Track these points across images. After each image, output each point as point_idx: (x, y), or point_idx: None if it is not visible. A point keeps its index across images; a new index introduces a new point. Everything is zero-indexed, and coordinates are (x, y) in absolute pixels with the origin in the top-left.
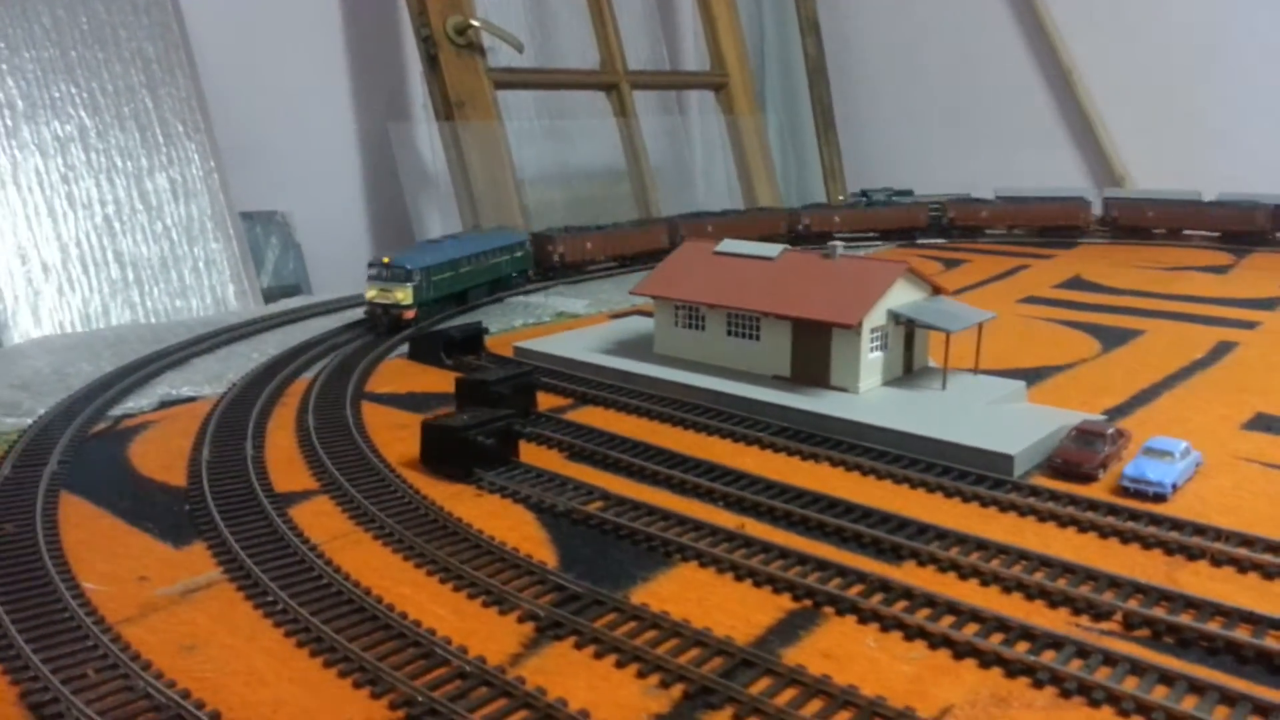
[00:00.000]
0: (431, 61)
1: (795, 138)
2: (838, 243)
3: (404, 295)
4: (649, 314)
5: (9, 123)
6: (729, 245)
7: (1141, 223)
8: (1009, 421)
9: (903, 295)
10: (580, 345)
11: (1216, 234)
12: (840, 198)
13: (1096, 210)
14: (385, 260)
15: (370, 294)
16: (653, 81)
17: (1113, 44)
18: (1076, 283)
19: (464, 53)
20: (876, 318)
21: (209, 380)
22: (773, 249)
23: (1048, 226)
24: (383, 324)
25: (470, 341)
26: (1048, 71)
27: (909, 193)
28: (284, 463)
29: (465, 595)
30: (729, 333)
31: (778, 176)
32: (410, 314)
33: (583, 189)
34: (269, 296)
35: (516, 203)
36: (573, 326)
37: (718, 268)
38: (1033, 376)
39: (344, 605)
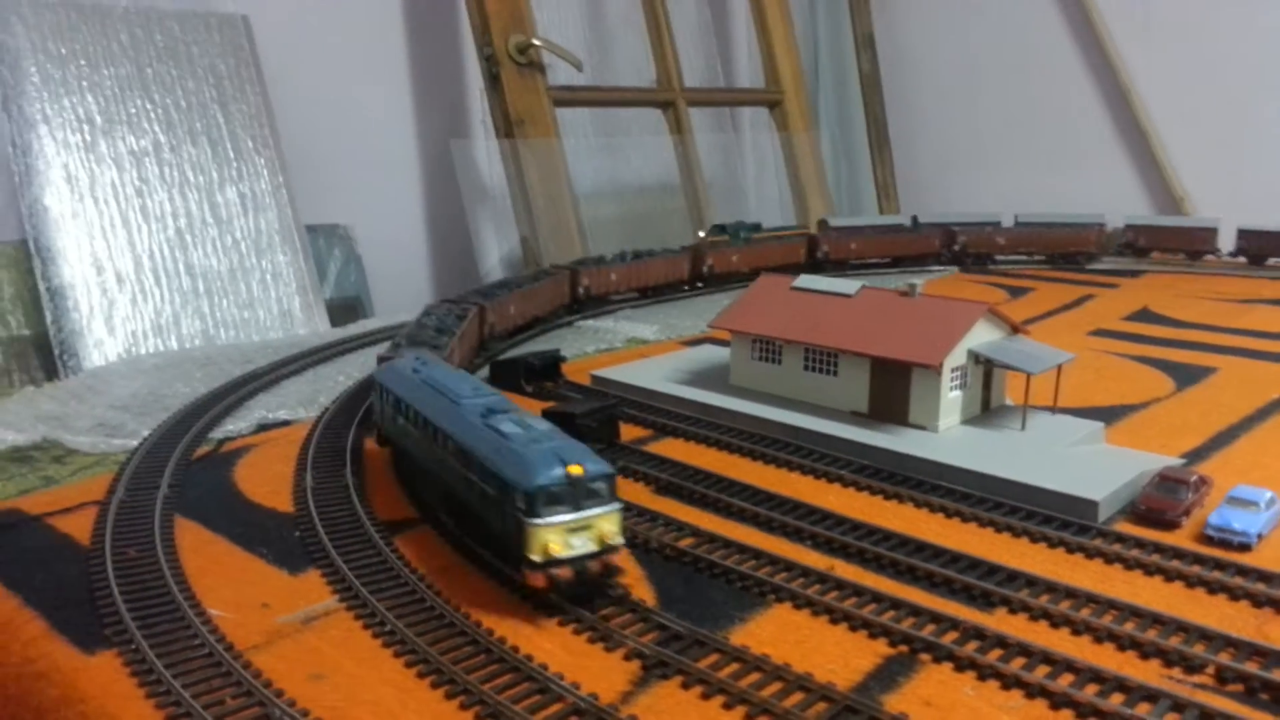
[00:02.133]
0: (493, 80)
1: (848, 154)
2: (917, 281)
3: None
4: (720, 342)
5: (88, 137)
6: (806, 281)
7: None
8: (1091, 465)
9: (983, 334)
10: (657, 375)
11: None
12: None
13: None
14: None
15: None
16: (708, 99)
17: (1173, 62)
18: (1145, 315)
19: (525, 71)
20: (957, 357)
21: (302, 403)
22: (851, 285)
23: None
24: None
25: (549, 368)
26: (1106, 90)
27: (757, 226)
28: (383, 490)
29: (571, 630)
30: (806, 368)
31: (831, 194)
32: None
33: (635, 205)
34: (330, 309)
35: (574, 220)
36: (644, 353)
37: (795, 303)
38: (1108, 416)
39: (458, 637)
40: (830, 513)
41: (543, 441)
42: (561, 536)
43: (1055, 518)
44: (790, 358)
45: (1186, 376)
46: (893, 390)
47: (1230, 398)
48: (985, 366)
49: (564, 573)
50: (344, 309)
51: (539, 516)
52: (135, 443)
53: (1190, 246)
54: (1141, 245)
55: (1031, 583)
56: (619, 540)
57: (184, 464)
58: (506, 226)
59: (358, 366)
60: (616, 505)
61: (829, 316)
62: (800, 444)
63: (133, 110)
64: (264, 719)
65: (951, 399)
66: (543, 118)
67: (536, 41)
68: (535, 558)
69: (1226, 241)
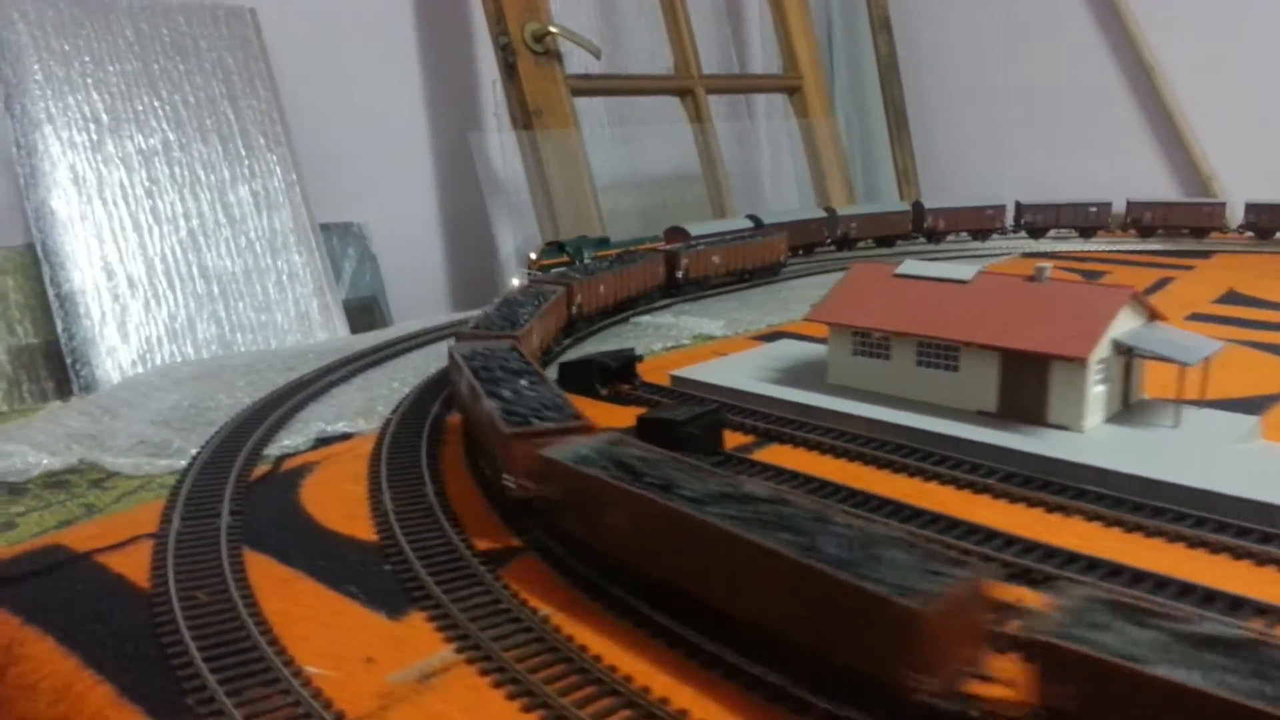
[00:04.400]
0: (509, 70)
1: (865, 140)
2: (1046, 264)
3: None
4: (801, 336)
5: (94, 136)
6: (913, 267)
7: None
8: (1271, 467)
9: (1124, 323)
10: (742, 373)
11: None
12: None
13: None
14: None
15: None
16: (727, 85)
17: (1197, 41)
18: (1234, 297)
19: (542, 60)
20: (1102, 349)
21: (359, 413)
22: (967, 270)
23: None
24: None
25: (625, 369)
26: (1128, 70)
27: (605, 241)
28: (472, 513)
29: (741, 688)
30: (919, 363)
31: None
32: None
33: (652, 196)
34: (347, 309)
35: (595, 212)
36: (718, 350)
37: (902, 292)
38: (1248, 408)
39: (607, 694)
40: (994, 530)
41: None
42: None
43: (1253, 529)
44: (900, 352)
45: None
46: (1028, 387)
47: None
48: (1126, 358)
49: None
50: (361, 309)
51: None
52: (183, 463)
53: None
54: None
55: (1264, 611)
56: None
57: (243, 486)
58: (522, 221)
59: (411, 371)
60: None
61: (945, 305)
62: (923, 448)
63: (140, 108)
64: None
65: (1096, 395)
66: (561, 107)
67: (554, 29)
68: None
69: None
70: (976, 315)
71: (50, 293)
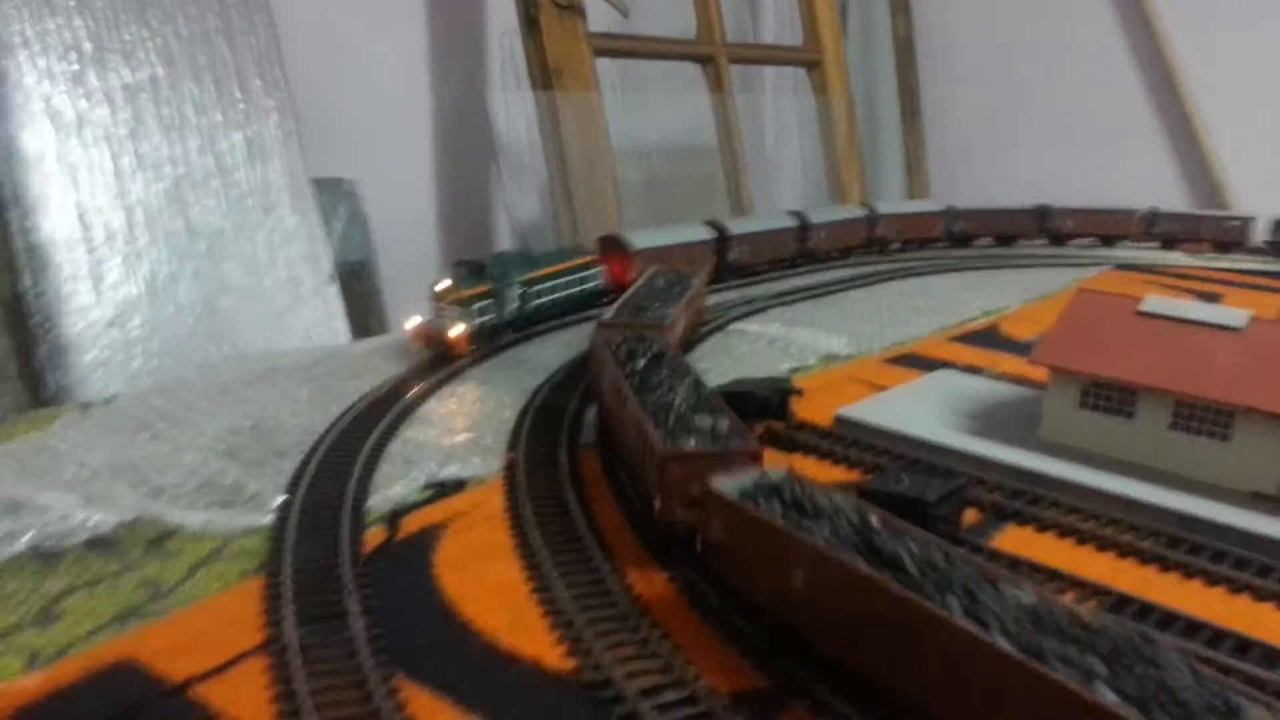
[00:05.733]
0: (530, 24)
1: (872, 123)
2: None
3: None
4: (965, 368)
5: (75, 67)
6: (1159, 305)
7: None
8: None
9: None
10: (921, 417)
11: None
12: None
13: None
14: None
15: None
16: (749, 55)
17: (1222, 47)
18: None
19: (566, 15)
20: None
21: (467, 448)
22: (1237, 315)
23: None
24: None
25: (781, 404)
26: (1149, 71)
27: (528, 259)
28: (681, 623)
29: None
30: (1174, 426)
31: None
32: None
33: (660, 167)
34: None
35: (611, 181)
36: (855, 376)
37: (1152, 335)
38: None
39: None
40: None
41: None
42: None
43: None
44: (1149, 411)
45: None
46: None
47: None
48: None
49: None
50: (349, 274)
51: None
52: (264, 518)
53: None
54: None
55: None
56: None
57: (361, 566)
58: (526, 187)
59: (511, 389)
60: None
61: (1211, 357)
62: (1200, 540)
63: (127, 38)
64: None
65: None
66: (582, 68)
67: None
68: None
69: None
70: (1256, 373)
71: (17, 242)
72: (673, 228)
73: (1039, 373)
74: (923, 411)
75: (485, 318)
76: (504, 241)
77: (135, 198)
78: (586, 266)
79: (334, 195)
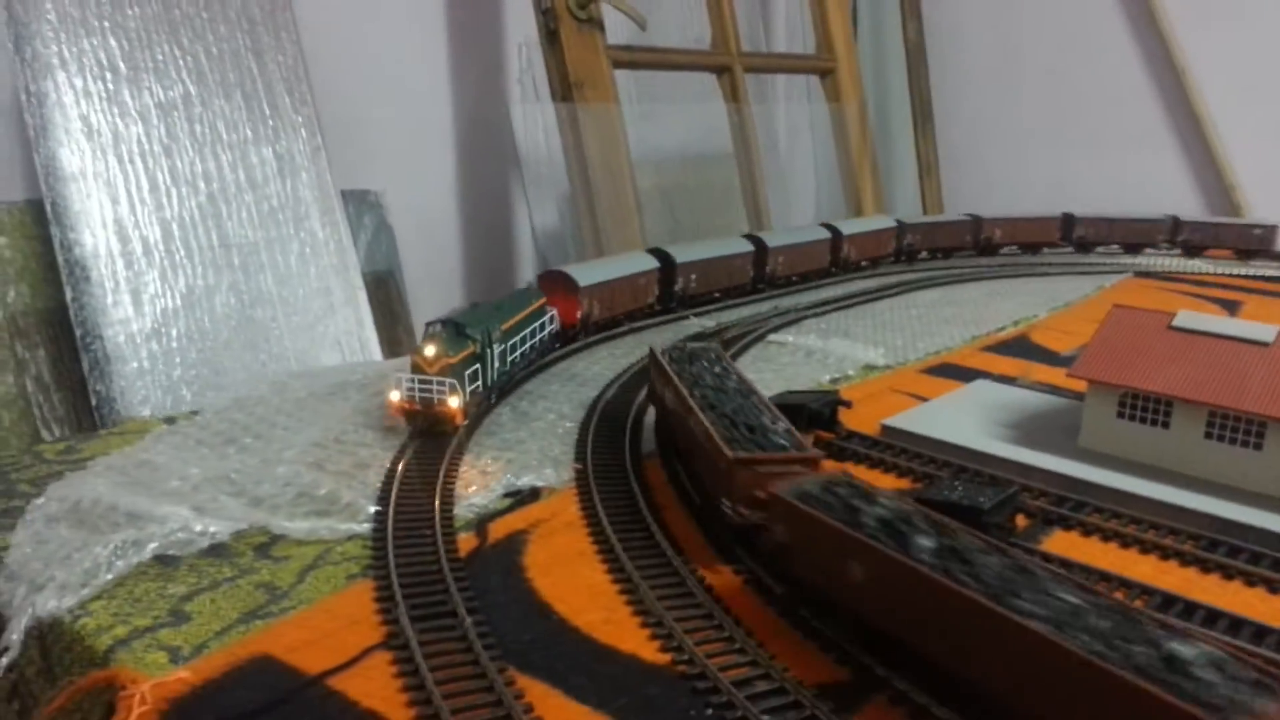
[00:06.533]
0: (551, 37)
1: (884, 130)
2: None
3: None
4: (1001, 378)
5: (110, 86)
6: (1191, 320)
7: None
8: None
9: None
10: (963, 426)
11: None
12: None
13: None
14: None
15: None
16: (764, 65)
17: (1232, 47)
18: None
19: (585, 28)
20: None
21: (538, 458)
22: (1265, 330)
23: None
24: None
25: (831, 414)
26: (1158, 72)
27: (502, 306)
28: (760, 620)
29: None
30: (1210, 435)
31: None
32: None
33: (674, 176)
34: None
35: (632, 193)
36: (894, 386)
37: (1183, 350)
38: None
39: None
40: None
41: None
42: None
43: None
44: (1184, 422)
45: None
46: None
47: None
48: None
49: None
50: (375, 284)
51: None
52: (361, 526)
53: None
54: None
55: None
56: None
57: (460, 568)
58: (547, 198)
59: (568, 401)
60: None
61: (1244, 370)
62: (1237, 543)
63: (160, 57)
64: None
65: None
66: (602, 80)
67: None
68: None
69: None
70: None
71: (59, 256)
72: (618, 259)
73: (1072, 381)
74: (965, 420)
75: (476, 384)
76: (526, 252)
77: (171, 212)
78: (543, 309)
79: (360, 207)
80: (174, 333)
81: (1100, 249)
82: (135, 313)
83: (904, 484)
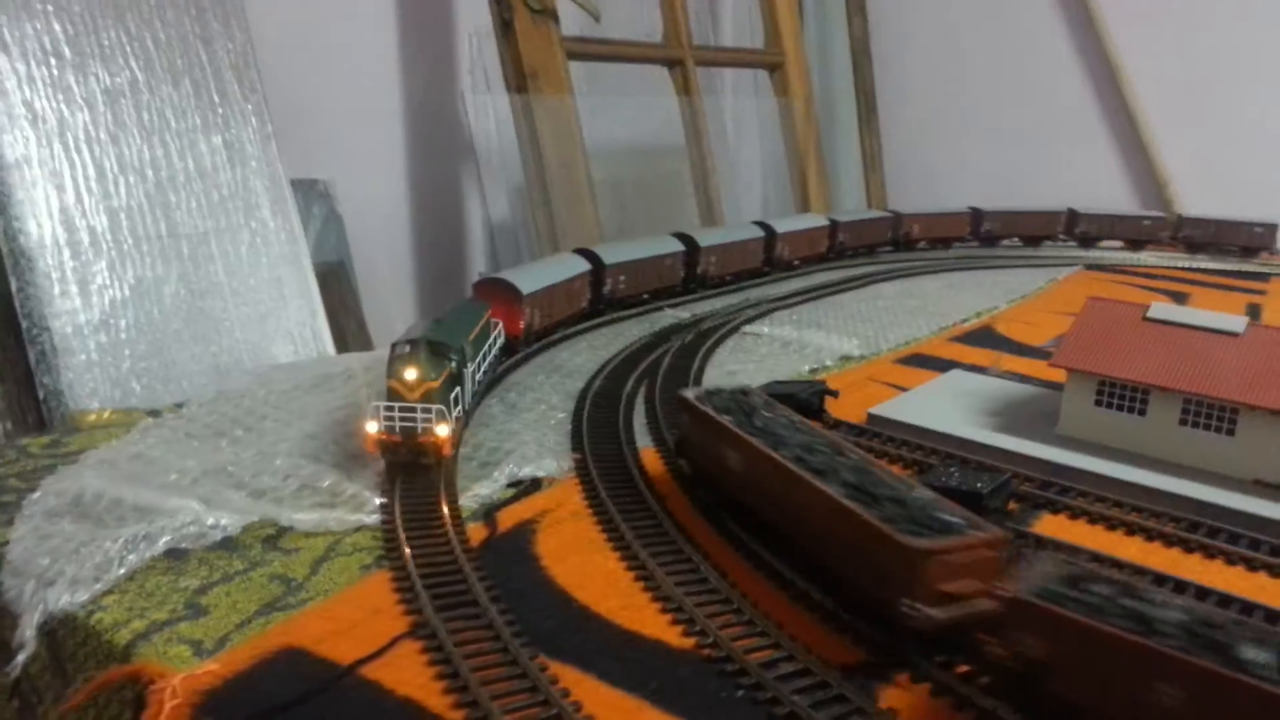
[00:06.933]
0: (505, 28)
1: (829, 125)
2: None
3: None
4: (973, 368)
5: (54, 72)
6: (1164, 311)
7: None
8: None
9: None
10: (944, 414)
11: None
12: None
13: None
14: None
15: None
16: (714, 59)
17: (1165, 45)
18: None
19: (539, 19)
20: None
21: (534, 448)
22: (1235, 321)
23: None
24: None
25: (819, 404)
26: (1094, 69)
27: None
28: (775, 604)
29: None
30: (1184, 422)
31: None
32: None
33: (624, 168)
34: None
35: (587, 185)
36: (873, 376)
37: (1160, 340)
38: None
39: None
40: None
41: None
42: None
43: None
44: (1160, 409)
45: None
46: None
47: None
48: None
49: None
50: (325, 275)
51: None
52: (369, 517)
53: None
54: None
55: None
56: None
57: (474, 555)
58: (498, 189)
59: (559, 394)
60: None
61: (1216, 359)
62: (1215, 524)
63: (106, 42)
64: None
65: None
66: (556, 72)
67: None
68: None
69: None
70: (1258, 374)
71: (3, 246)
72: (548, 263)
73: (1044, 371)
74: (946, 409)
75: (459, 409)
76: (477, 244)
77: (119, 201)
78: (492, 322)
79: (309, 195)
80: (123, 324)
81: (1005, 242)
82: (83, 304)
83: (897, 470)
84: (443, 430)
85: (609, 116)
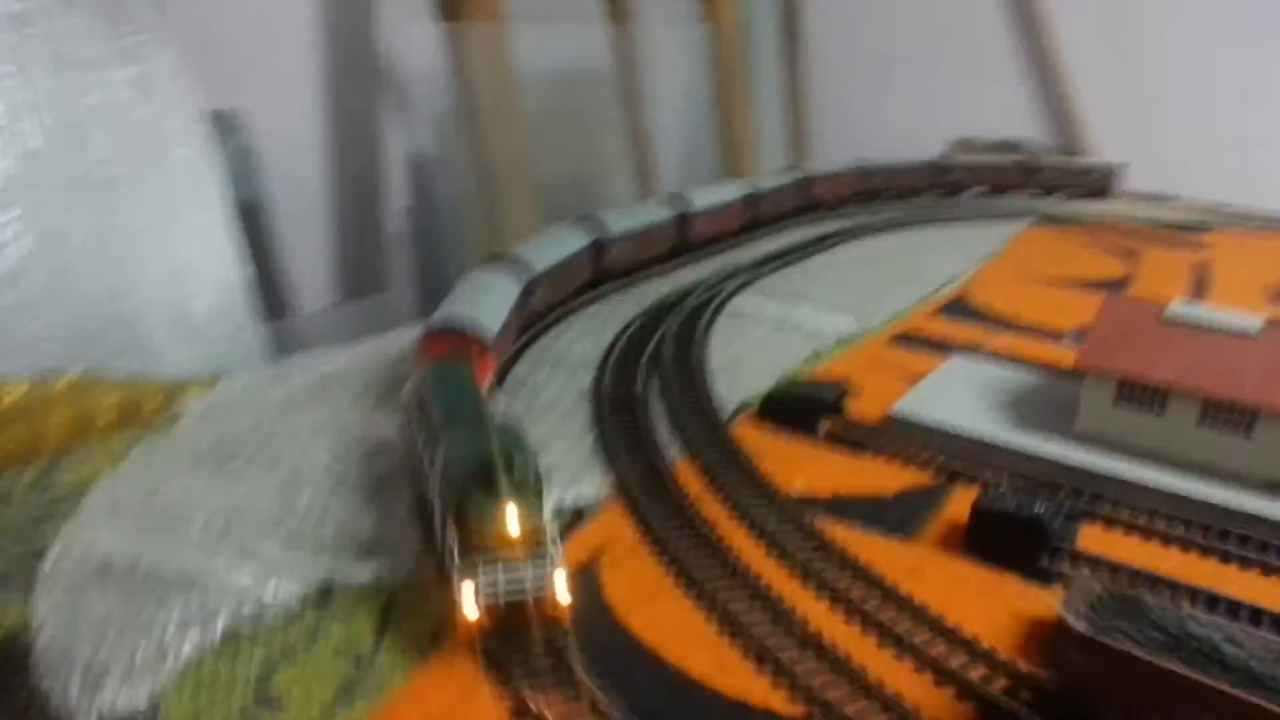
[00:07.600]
0: None
1: (754, 54)
2: None
3: None
4: (936, 341)
5: None
6: (1183, 311)
7: None
8: None
9: None
10: (964, 411)
11: None
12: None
13: None
14: None
15: None
16: None
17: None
18: None
19: None
20: None
21: (562, 472)
22: (1251, 321)
23: None
24: None
25: (837, 405)
26: (1021, 7)
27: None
28: (876, 660)
29: None
30: (1202, 423)
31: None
32: None
33: (550, 97)
34: None
35: (522, 115)
36: (878, 359)
37: (1178, 340)
38: None
39: None
40: None
41: None
42: None
43: None
44: (1179, 409)
45: None
46: None
47: None
48: None
49: None
50: (243, 215)
51: None
52: (419, 565)
53: None
54: None
55: None
56: None
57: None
58: (420, 120)
59: (569, 391)
60: None
61: (1234, 360)
62: (1243, 532)
63: None
64: None
65: None
66: None
67: None
68: None
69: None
70: (1276, 375)
71: None
72: (473, 285)
73: (1039, 353)
74: (961, 404)
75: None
76: (397, 177)
77: (20, 145)
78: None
79: (220, 128)
80: (31, 281)
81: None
82: None
83: (927, 478)
84: (561, 582)
85: (532, 44)
